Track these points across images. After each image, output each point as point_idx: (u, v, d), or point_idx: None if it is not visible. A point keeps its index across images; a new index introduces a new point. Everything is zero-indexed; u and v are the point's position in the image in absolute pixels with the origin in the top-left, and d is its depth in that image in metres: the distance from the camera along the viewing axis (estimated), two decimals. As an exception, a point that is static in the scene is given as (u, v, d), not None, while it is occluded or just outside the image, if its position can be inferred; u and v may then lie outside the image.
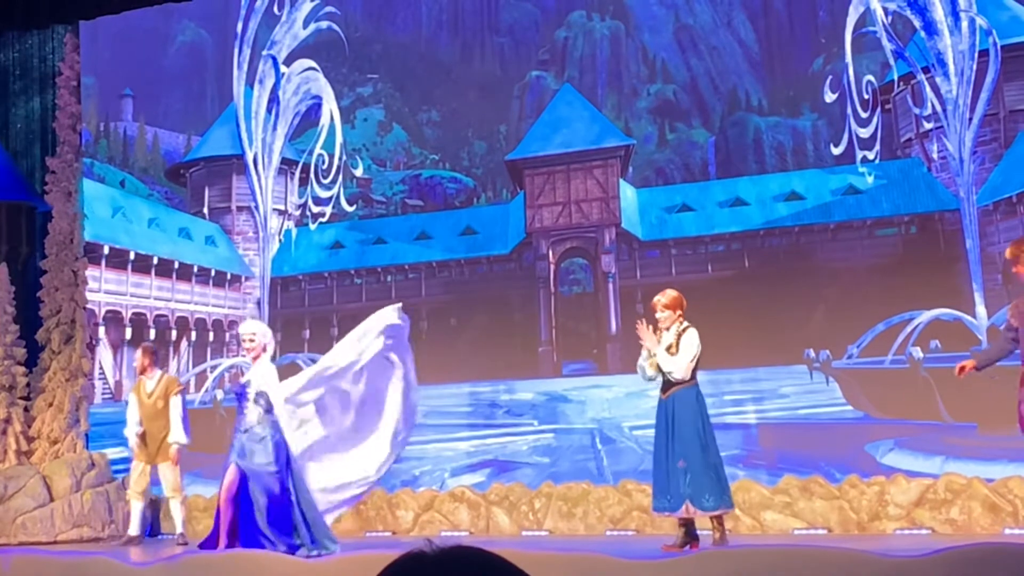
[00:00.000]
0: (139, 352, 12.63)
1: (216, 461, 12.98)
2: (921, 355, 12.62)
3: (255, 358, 9.83)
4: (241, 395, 9.77)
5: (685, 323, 9.64)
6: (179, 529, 12.20)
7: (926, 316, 12.73)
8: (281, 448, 9.67)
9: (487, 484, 13.57)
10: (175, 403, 12.06)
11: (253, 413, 9.68)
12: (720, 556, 8.10)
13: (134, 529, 12.34)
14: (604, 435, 13.87)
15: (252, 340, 9.82)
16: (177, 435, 11.98)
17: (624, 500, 12.54)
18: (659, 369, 9.58)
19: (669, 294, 9.74)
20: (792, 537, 11.35)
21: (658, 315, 9.66)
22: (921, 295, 12.96)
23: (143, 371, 12.34)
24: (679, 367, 9.43)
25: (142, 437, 12.11)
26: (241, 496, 9.60)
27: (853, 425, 12.96)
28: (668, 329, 9.61)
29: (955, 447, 12.11)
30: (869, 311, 13.07)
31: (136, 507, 12.37)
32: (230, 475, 9.60)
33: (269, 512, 9.51)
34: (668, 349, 9.53)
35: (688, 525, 9.51)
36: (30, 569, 9.57)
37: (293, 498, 9.60)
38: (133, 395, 12.41)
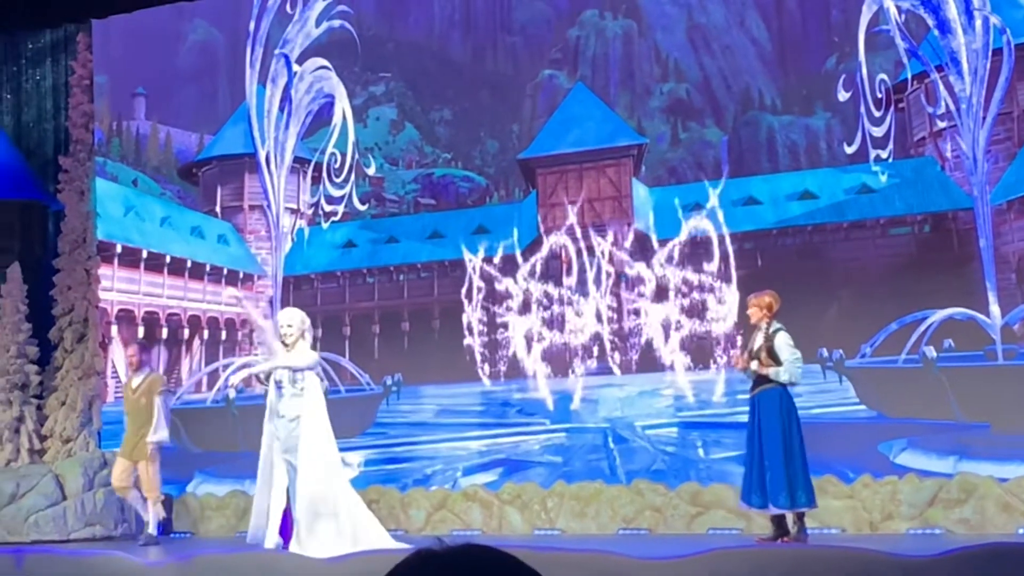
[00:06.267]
0: (132, 348, 12.69)
1: (228, 460, 12.99)
2: (934, 354, 12.58)
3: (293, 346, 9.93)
4: (279, 382, 9.82)
5: (776, 325, 9.85)
6: (150, 529, 12.10)
7: (939, 315, 12.68)
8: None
9: (499, 483, 13.56)
10: (158, 402, 12.03)
11: (289, 396, 9.74)
12: (733, 556, 8.09)
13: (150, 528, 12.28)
14: (617, 434, 13.83)
15: (290, 327, 9.88)
16: (156, 434, 11.95)
17: (636, 499, 12.53)
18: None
19: (763, 294, 9.96)
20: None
21: (750, 310, 9.92)
22: (934, 294, 12.92)
23: (135, 367, 12.35)
24: (791, 372, 9.70)
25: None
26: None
27: (866, 424, 12.92)
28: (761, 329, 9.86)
29: (968, 446, 12.07)
30: (882, 310, 13.03)
31: (137, 504, 12.38)
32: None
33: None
34: (759, 349, 9.81)
35: (780, 519, 9.68)
36: (43, 568, 9.59)
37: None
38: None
